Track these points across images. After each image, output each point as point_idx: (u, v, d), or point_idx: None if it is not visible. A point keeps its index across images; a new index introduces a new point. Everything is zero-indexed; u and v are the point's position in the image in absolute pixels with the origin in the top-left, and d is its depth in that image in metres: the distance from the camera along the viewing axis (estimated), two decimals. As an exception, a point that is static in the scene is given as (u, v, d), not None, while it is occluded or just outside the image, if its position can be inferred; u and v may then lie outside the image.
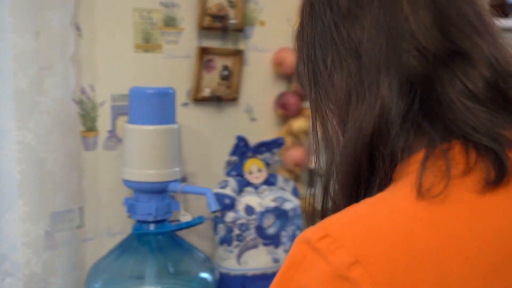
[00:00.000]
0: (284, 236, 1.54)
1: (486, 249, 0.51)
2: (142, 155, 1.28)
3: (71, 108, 1.33)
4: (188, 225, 1.32)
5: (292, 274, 0.53)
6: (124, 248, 1.30)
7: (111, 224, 1.46)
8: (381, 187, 0.58)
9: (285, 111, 1.70)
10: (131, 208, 1.30)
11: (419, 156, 0.56)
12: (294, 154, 1.69)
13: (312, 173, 0.62)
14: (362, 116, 0.58)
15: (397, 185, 0.56)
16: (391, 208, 0.53)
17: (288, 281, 0.53)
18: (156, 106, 1.28)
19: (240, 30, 1.61)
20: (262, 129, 1.72)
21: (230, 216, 1.51)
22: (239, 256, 1.52)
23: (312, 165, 0.72)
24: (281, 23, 1.72)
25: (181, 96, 1.55)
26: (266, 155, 1.62)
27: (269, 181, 1.60)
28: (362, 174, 0.59)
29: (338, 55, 0.62)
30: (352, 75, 0.61)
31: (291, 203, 1.57)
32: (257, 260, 1.52)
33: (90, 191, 1.42)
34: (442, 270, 0.49)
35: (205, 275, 1.30)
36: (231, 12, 1.59)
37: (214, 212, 1.28)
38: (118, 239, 1.45)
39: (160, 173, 1.29)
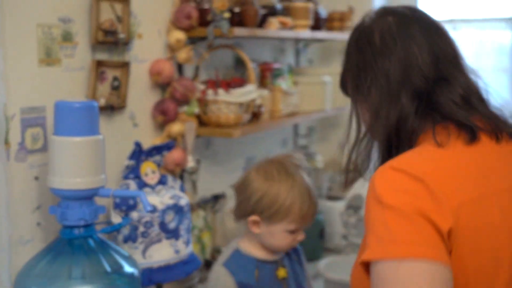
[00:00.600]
0: (182, 229, 1.73)
1: (471, 168, 1.01)
2: (72, 164, 1.37)
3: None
4: (119, 227, 1.44)
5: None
6: (56, 252, 1.38)
7: (23, 233, 1.51)
8: (405, 150, 1.04)
9: (165, 116, 1.87)
10: (62, 215, 1.38)
11: (429, 131, 1.04)
12: (175, 155, 1.87)
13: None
14: (389, 113, 1.07)
15: (423, 145, 1.04)
16: (426, 152, 1.02)
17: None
18: (83, 118, 1.38)
19: (126, 44, 1.74)
20: (143, 133, 1.87)
21: (134, 215, 1.65)
22: (144, 251, 1.66)
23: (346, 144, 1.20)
24: (154, 36, 1.89)
25: (78, 106, 1.64)
26: (157, 158, 1.78)
27: (162, 181, 1.77)
28: (393, 143, 1.07)
29: (375, 77, 1.09)
30: (383, 88, 1.08)
31: (184, 200, 1.75)
32: (161, 253, 1.68)
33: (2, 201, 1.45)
34: (456, 176, 0.98)
35: (131, 269, 1.44)
36: (119, 27, 1.71)
37: (148, 212, 1.42)
38: (30, 247, 1.51)
39: (90, 181, 1.39)
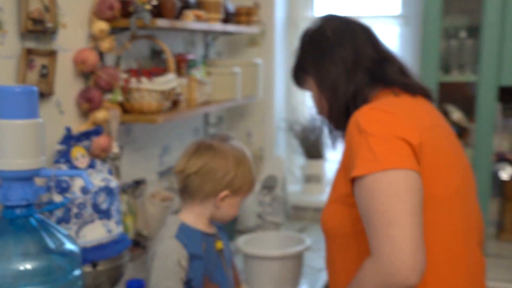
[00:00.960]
0: (113, 210, 1.81)
1: (418, 108, 1.45)
2: (14, 146, 1.42)
3: None
4: (61, 205, 1.51)
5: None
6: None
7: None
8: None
9: (90, 104, 1.94)
10: (4, 196, 1.43)
11: (379, 94, 1.48)
12: (101, 141, 1.95)
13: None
14: (348, 87, 1.48)
15: (383, 97, 1.48)
16: (390, 99, 1.46)
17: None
18: (24, 102, 1.43)
19: (53, 32, 1.80)
20: (69, 120, 1.93)
21: (68, 197, 1.71)
22: (77, 231, 1.74)
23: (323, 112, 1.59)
24: (77, 26, 1.95)
25: (8, 93, 1.68)
26: (86, 143, 1.85)
27: (91, 165, 1.84)
28: (351, 109, 1.45)
29: (334, 62, 1.50)
30: (341, 69, 1.49)
31: (114, 182, 1.84)
32: (94, 232, 1.76)
33: None
34: (414, 111, 1.42)
35: (72, 247, 1.51)
36: (46, 16, 1.77)
37: (90, 189, 1.50)
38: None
39: (31, 162, 1.44)
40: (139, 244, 2.03)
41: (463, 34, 2.61)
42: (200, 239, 1.62)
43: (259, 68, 2.84)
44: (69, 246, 1.50)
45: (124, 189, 2.20)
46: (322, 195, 3.13)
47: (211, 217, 1.66)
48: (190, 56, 2.45)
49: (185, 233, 1.60)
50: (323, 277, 2.31)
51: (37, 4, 1.73)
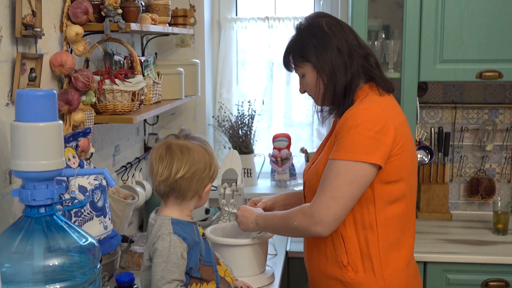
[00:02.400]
0: (106, 206, 1.89)
1: (393, 106, 1.88)
2: (38, 148, 1.47)
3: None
4: (79, 206, 1.57)
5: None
6: (26, 230, 1.46)
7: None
8: (351, 99, 1.85)
9: (69, 106, 1.99)
10: (31, 195, 1.47)
11: (363, 88, 1.87)
12: (82, 142, 2.00)
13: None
14: (344, 76, 1.84)
15: (371, 95, 1.86)
16: (376, 99, 1.85)
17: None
18: (46, 105, 1.49)
19: (41, 37, 1.83)
20: (49, 123, 1.96)
21: (67, 196, 1.76)
22: (77, 229, 1.79)
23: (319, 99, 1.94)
24: (51, 30, 1.99)
25: (4, 97, 1.70)
26: (73, 143, 1.90)
27: (80, 165, 1.90)
28: (339, 96, 1.86)
29: (331, 51, 1.84)
30: (337, 59, 1.84)
31: (104, 181, 1.91)
32: (93, 229, 1.82)
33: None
34: (393, 110, 1.86)
35: (94, 241, 1.57)
36: (34, 21, 1.80)
37: (112, 186, 1.57)
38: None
39: (55, 162, 1.50)
40: (126, 239, 2.10)
41: (382, 35, 2.92)
42: (191, 228, 1.75)
43: (198, 68, 2.97)
44: (91, 241, 1.57)
45: (93, 189, 2.25)
46: (255, 187, 3.32)
47: (197, 206, 1.78)
48: (143, 58, 2.53)
49: (179, 227, 1.70)
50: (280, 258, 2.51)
51: (28, 10, 1.76)
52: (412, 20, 2.69)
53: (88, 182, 1.82)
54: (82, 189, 1.79)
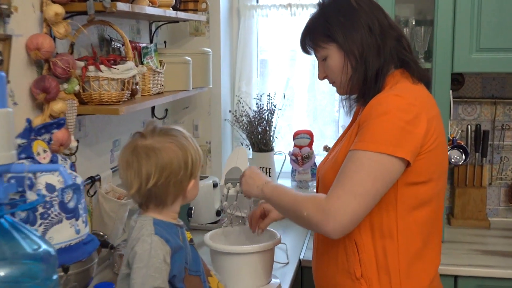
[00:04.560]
0: (80, 208, 1.67)
1: (428, 97, 1.63)
2: (-19, 140, 1.26)
3: None
4: (31, 205, 1.35)
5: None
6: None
7: None
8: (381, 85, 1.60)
9: (46, 94, 1.78)
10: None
11: (396, 72, 1.63)
12: (59, 135, 1.79)
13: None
14: (376, 59, 1.59)
15: (402, 82, 1.61)
16: (409, 87, 1.60)
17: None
18: (-10, 90, 1.27)
19: (8, 15, 1.63)
20: (23, 113, 1.76)
21: (33, 196, 1.55)
22: (44, 233, 1.58)
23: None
24: (29, 9, 1.78)
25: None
26: (46, 136, 1.69)
27: (53, 160, 1.69)
28: (377, 79, 1.60)
29: (362, 30, 1.59)
30: (374, 42, 1.60)
31: (79, 178, 1.69)
32: (62, 234, 1.61)
33: None
34: (426, 100, 1.59)
35: (49, 249, 1.36)
36: (-1, -3, 1.59)
37: (69, 185, 1.35)
38: None
39: (2, 156, 1.29)
40: (106, 245, 1.88)
41: (412, 21, 2.62)
42: (176, 231, 1.52)
43: (209, 57, 2.74)
44: (46, 248, 1.35)
45: (80, 187, 2.04)
46: (272, 187, 3.07)
47: (183, 203, 1.56)
48: (143, 44, 2.32)
49: (162, 228, 1.48)
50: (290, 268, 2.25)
51: (-10, -17, 1.56)
52: (445, 3, 2.39)
53: (58, 179, 1.60)
54: (49, 187, 1.58)
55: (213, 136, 3.10)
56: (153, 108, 2.78)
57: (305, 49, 1.71)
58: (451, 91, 2.45)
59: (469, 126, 2.82)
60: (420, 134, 1.51)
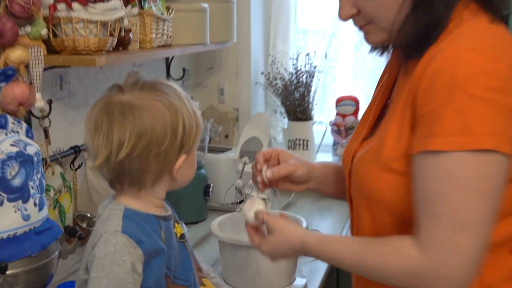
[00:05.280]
0: (32, 186, 1.27)
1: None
2: None
3: None
4: None
5: None
6: None
7: None
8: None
9: (0, 38, 1.38)
10: None
11: (462, 10, 1.05)
12: (16, 90, 1.39)
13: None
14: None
15: (474, 22, 1.03)
16: (485, 30, 1.03)
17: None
18: None
19: None
20: (-31, 62, 1.37)
21: (-41, 170, 1.16)
22: (-24, 220, 1.19)
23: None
24: None
25: None
26: (-10, 92, 1.29)
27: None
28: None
29: None
30: None
31: (33, 147, 1.29)
32: (3, 220, 1.21)
33: None
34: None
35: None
36: None
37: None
38: None
39: None
40: (75, 233, 1.47)
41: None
42: (157, 226, 1.10)
43: (232, 5, 2.29)
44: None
45: (57, 159, 1.66)
46: (310, 163, 2.63)
47: (165, 193, 1.14)
48: (144, -15, 1.89)
49: (134, 223, 1.06)
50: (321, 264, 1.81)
51: None
52: None
53: (1, 149, 1.21)
54: (-17, 159, 1.18)
55: (242, 102, 2.67)
56: (168, 67, 2.37)
57: None
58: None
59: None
60: None
